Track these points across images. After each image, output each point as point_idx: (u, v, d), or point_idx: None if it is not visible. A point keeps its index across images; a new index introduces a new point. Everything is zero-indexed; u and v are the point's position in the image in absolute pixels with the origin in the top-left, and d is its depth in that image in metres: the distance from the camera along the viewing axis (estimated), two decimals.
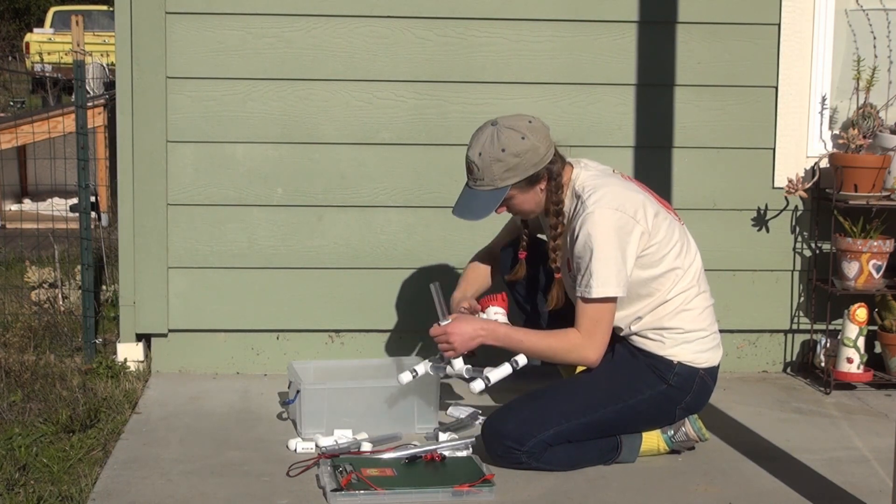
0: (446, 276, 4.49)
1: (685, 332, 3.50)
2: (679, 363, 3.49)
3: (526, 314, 3.86)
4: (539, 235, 3.82)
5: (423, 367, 3.66)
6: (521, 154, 3.40)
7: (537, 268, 3.76)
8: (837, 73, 4.60)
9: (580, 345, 3.43)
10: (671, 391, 3.51)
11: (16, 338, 4.81)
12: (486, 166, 3.42)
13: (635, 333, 3.53)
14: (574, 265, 3.45)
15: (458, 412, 3.95)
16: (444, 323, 3.55)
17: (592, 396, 3.50)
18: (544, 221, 3.62)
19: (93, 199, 5.60)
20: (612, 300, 3.41)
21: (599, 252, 3.36)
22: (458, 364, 3.58)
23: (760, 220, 4.59)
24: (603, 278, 3.36)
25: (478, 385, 3.51)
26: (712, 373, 3.58)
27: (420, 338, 4.53)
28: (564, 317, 3.56)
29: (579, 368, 3.69)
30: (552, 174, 3.47)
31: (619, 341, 3.58)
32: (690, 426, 3.59)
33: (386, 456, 3.48)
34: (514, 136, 3.41)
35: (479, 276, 3.91)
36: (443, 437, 3.71)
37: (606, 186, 3.45)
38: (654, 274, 3.46)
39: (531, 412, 3.48)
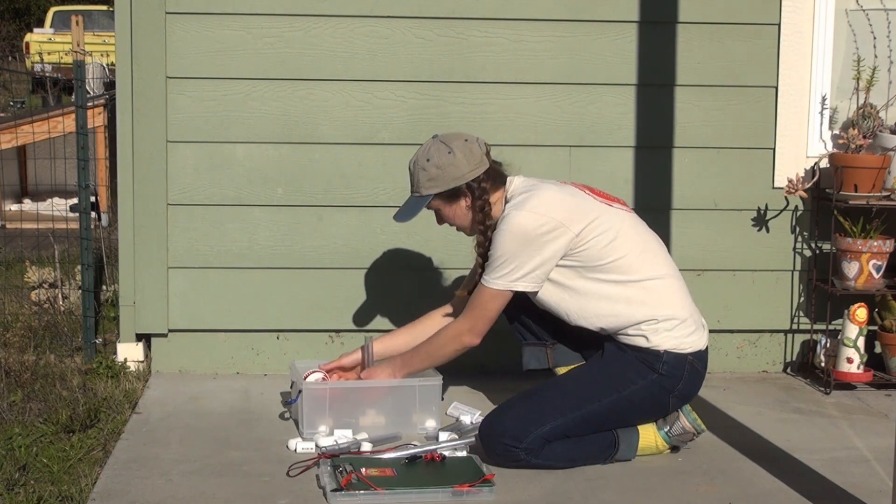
0: (446, 276, 4.50)
1: (659, 322, 3.52)
2: (665, 351, 3.52)
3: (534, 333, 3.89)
4: None
5: None
6: (443, 167, 3.59)
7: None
8: (837, 73, 4.60)
9: (458, 332, 3.65)
10: (663, 380, 3.52)
11: (16, 338, 4.81)
12: (414, 174, 3.66)
13: (618, 332, 3.55)
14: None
15: (459, 412, 3.95)
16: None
17: (586, 390, 3.53)
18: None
19: (93, 199, 5.59)
20: (503, 294, 3.55)
21: (503, 249, 3.51)
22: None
23: (760, 220, 4.59)
24: (500, 272, 3.54)
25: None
26: (701, 357, 3.59)
27: None
28: (560, 327, 3.70)
29: (569, 368, 3.72)
30: (475, 192, 3.61)
31: (606, 339, 3.60)
32: (686, 419, 3.60)
33: (386, 456, 3.48)
34: (442, 150, 3.61)
35: (422, 330, 3.95)
36: (443, 436, 3.71)
37: (532, 191, 3.58)
38: (603, 265, 3.52)
39: (527, 409, 3.50)
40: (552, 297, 3.59)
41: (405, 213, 3.70)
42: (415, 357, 3.77)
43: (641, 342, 3.52)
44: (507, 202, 3.62)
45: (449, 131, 3.82)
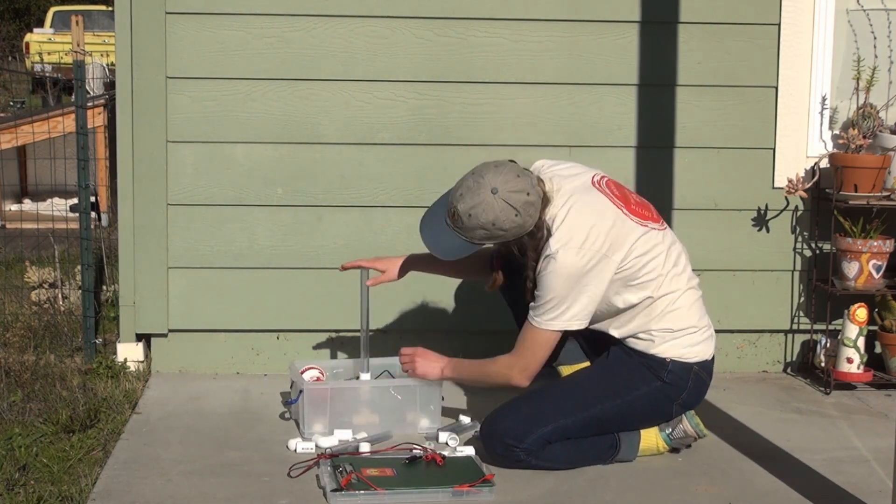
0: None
1: (674, 332, 3.51)
2: (671, 360, 3.50)
3: (517, 317, 3.86)
4: None
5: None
6: (509, 229, 3.42)
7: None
8: (837, 73, 4.60)
9: (510, 366, 3.53)
10: (667, 387, 3.52)
11: (16, 338, 4.81)
12: (470, 227, 3.43)
13: (627, 336, 3.54)
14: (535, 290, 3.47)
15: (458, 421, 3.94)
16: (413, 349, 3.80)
17: (590, 393, 3.53)
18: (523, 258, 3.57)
19: (93, 199, 5.60)
20: (551, 335, 3.47)
21: (555, 292, 3.39)
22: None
23: (760, 220, 4.59)
24: (553, 314, 3.42)
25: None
26: (706, 367, 3.58)
27: (420, 337, 4.53)
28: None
29: (575, 368, 3.71)
30: (534, 233, 3.45)
31: (613, 343, 3.59)
32: (688, 423, 3.60)
33: (386, 456, 3.48)
34: (508, 213, 3.38)
35: (418, 259, 3.97)
36: (442, 436, 3.71)
37: (572, 217, 3.42)
38: (633, 284, 3.47)
39: (529, 409, 3.50)
40: None
41: (446, 250, 3.54)
42: (467, 370, 3.69)
43: (648, 347, 3.51)
44: (546, 228, 3.44)
45: (489, 161, 3.52)
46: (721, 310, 4.55)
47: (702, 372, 3.56)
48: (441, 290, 4.49)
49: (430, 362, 3.74)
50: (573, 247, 3.39)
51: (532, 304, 3.48)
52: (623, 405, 3.52)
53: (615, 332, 3.55)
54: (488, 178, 3.40)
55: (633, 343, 3.54)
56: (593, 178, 3.58)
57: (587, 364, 3.71)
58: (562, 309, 3.42)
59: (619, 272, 3.44)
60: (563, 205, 3.46)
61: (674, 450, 3.64)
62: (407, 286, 4.50)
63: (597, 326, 3.57)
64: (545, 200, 3.46)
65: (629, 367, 3.54)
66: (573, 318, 3.43)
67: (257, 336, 4.55)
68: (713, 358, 3.61)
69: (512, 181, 3.40)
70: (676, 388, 3.53)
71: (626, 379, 3.53)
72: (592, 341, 3.68)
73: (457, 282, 4.48)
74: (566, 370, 3.78)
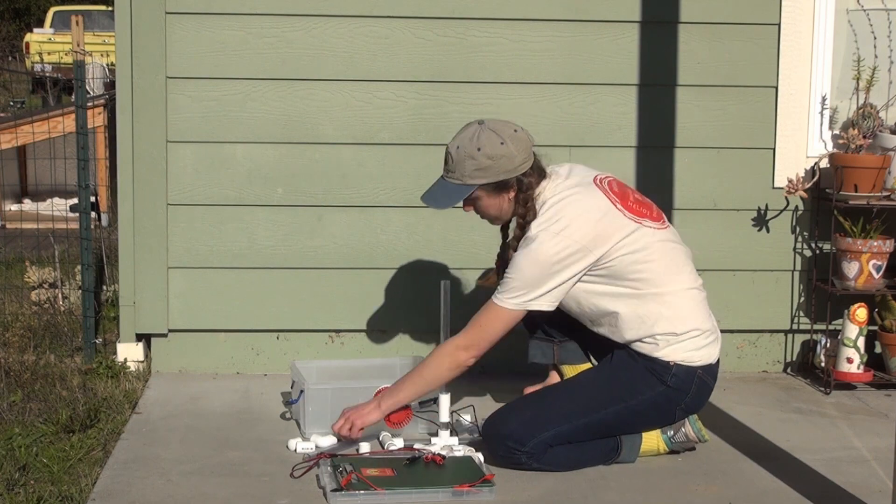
0: (445, 277, 4.49)
1: (678, 335, 3.49)
2: (675, 364, 3.49)
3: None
4: None
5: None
6: (495, 158, 3.43)
7: None
8: (837, 73, 4.60)
9: (455, 345, 3.48)
10: (670, 392, 3.51)
11: (16, 338, 4.81)
12: (459, 160, 3.47)
13: (633, 341, 3.52)
14: None
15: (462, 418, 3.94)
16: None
17: (593, 397, 3.51)
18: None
19: (93, 199, 5.60)
20: (513, 314, 3.43)
21: (523, 271, 3.39)
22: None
23: (760, 220, 4.59)
24: (514, 293, 3.41)
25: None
26: (711, 371, 3.57)
27: (420, 337, 4.54)
28: (571, 326, 3.66)
29: (579, 369, 3.70)
30: (522, 186, 3.48)
31: (618, 347, 3.58)
32: (690, 427, 3.60)
33: (386, 456, 3.48)
34: (493, 139, 3.44)
35: None
36: (442, 435, 3.71)
37: (561, 203, 3.44)
38: (623, 283, 3.45)
39: (532, 413, 3.49)
40: (576, 303, 3.53)
41: (443, 199, 3.53)
42: (407, 384, 3.53)
43: (652, 351, 3.50)
44: (534, 212, 3.47)
45: (494, 120, 3.57)
46: (721, 310, 4.54)
47: (706, 376, 3.55)
48: (428, 290, 4.48)
49: (363, 409, 3.53)
50: (552, 231, 3.39)
51: (499, 283, 3.48)
52: (626, 410, 3.51)
53: (618, 340, 3.54)
54: (475, 121, 3.53)
55: (637, 346, 3.53)
56: (596, 177, 3.58)
57: (589, 365, 3.71)
58: (526, 289, 3.40)
59: (603, 267, 3.43)
60: (556, 194, 3.48)
61: (673, 451, 3.64)
62: (407, 285, 4.51)
63: (603, 331, 3.56)
64: (539, 166, 3.52)
65: (633, 371, 3.52)
66: (536, 299, 3.41)
67: (257, 336, 4.55)
68: (718, 362, 3.60)
69: (498, 120, 3.54)
70: (680, 393, 3.52)
71: (629, 383, 3.51)
72: (596, 343, 3.66)
73: (460, 282, 4.48)
74: (569, 371, 3.78)
